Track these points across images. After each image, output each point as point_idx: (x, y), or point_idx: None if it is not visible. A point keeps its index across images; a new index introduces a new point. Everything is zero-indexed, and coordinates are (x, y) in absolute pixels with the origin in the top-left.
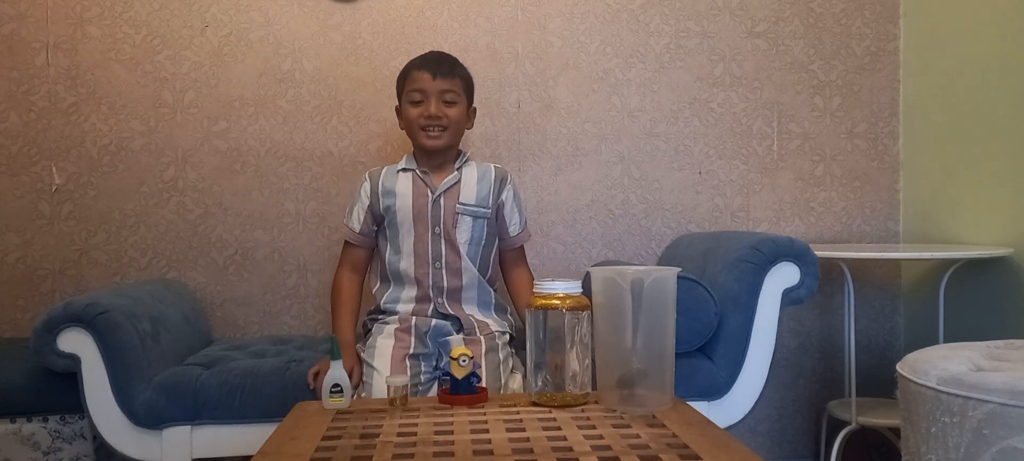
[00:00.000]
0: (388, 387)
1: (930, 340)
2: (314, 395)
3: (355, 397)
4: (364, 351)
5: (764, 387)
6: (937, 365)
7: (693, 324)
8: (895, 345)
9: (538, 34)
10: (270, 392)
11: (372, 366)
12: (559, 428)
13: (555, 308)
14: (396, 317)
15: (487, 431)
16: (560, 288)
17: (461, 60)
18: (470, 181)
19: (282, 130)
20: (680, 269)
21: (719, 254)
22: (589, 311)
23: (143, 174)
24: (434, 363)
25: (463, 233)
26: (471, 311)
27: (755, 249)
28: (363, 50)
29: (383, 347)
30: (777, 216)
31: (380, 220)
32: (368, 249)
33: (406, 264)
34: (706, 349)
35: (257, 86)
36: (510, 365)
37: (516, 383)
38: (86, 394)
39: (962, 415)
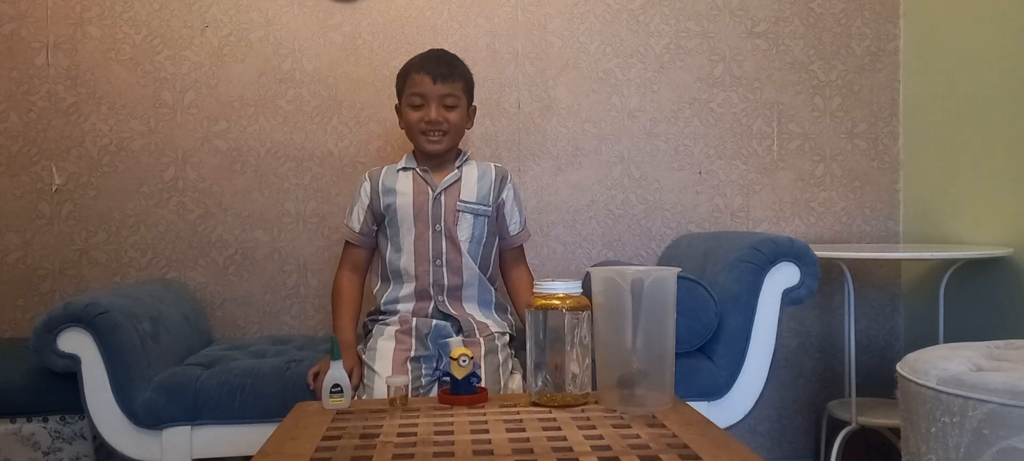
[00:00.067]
0: (388, 387)
1: (930, 340)
2: (314, 395)
3: (355, 398)
4: (364, 353)
5: (764, 387)
6: (937, 365)
7: (693, 324)
8: (895, 345)
9: (538, 34)
10: (270, 392)
11: (373, 369)
12: (559, 428)
13: (555, 308)
14: (396, 317)
15: (487, 431)
16: (560, 288)
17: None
18: (470, 179)
19: (282, 130)
20: (680, 269)
21: (719, 254)
22: (589, 311)
23: (143, 174)
24: (434, 365)
25: (464, 230)
26: (471, 310)
27: (755, 249)
28: (363, 50)
29: (384, 349)
30: (777, 216)
31: (380, 219)
32: (368, 249)
33: (407, 262)
34: (706, 349)
35: (257, 86)
36: (510, 367)
37: (516, 384)
38: (86, 394)
39: (962, 415)
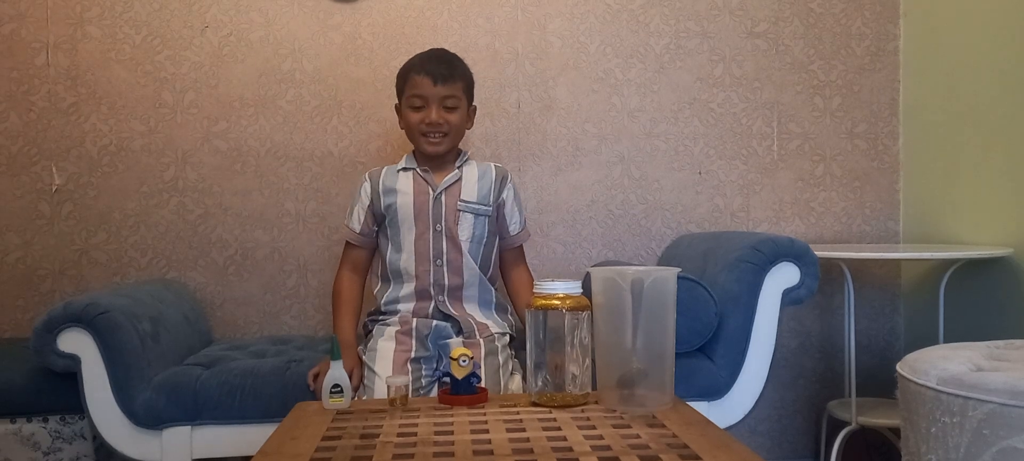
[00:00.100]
0: (388, 387)
1: (930, 340)
2: (314, 397)
3: (355, 399)
4: (365, 353)
5: (764, 387)
6: (937, 365)
7: (693, 324)
8: (895, 345)
9: (538, 34)
10: (270, 392)
11: (373, 370)
12: (559, 428)
13: (555, 308)
14: (396, 318)
15: (487, 431)
16: (560, 288)
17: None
18: (471, 179)
19: (282, 130)
20: (680, 269)
21: (719, 254)
22: (589, 311)
23: (143, 174)
24: (434, 366)
25: (465, 230)
26: (472, 311)
27: (755, 249)
28: (363, 50)
29: (384, 350)
30: (777, 216)
31: (381, 220)
32: (369, 250)
33: (407, 261)
34: (706, 349)
35: (257, 86)
36: (510, 368)
37: (516, 385)
38: (86, 394)
39: (962, 415)
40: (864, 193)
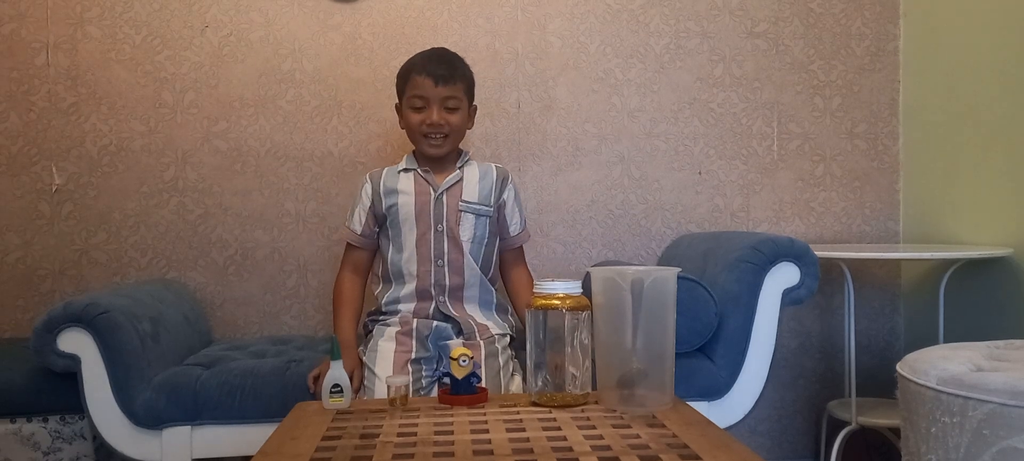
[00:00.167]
0: (388, 387)
1: (930, 340)
2: (314, 398)
3: (355, 400)
4: (365, 354)
5: (764, 387)
6: (937, 365)
7: (693, 324)
8: (895, 345)
9: (538, 34)
10: (270, 392)
11: (373, 371)
12: (559, 428)
13: (555, 308)
14: (397, 318)
15: (487, 431)
16: (560, 288)
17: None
18: (472, 179)
19: (282, 130)
20: (680, 269)
21: (719, 254)
22: (589, 311)
23: (143, 174)
24: (435, 366)
25: (466, 231)
26: (472, 311)
27: (755, 249)
28: (363, 50)
29: (384, 351)
30: (777, 216)
31: (382, 220)
32: (370, 251)
33: (408, 262)
34: (706, 349)
35: (257, 86)
36: (510, 369)
37: (516, 385)
38: (86, 394)
39: (962, 415)
40: (864, 193)
